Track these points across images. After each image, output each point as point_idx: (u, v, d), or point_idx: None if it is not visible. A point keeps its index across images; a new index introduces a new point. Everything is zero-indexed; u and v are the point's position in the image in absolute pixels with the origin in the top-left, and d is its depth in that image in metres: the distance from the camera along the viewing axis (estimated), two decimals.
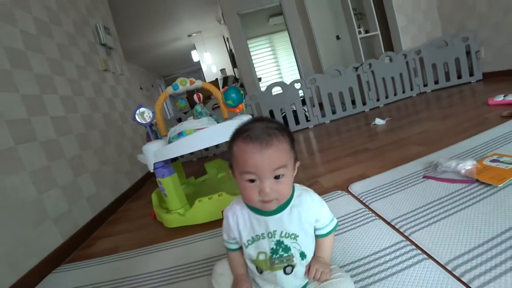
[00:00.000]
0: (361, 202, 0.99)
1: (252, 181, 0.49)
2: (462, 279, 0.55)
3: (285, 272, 0.54)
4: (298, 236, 0.55)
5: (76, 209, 1.47)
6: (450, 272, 0.58)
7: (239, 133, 0.51)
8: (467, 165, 0.97)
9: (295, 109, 3.02)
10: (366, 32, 3.31)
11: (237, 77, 5.65)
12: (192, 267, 0.87)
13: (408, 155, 1.35)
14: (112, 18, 2.85)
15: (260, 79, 5.64)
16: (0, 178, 1.09)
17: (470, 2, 2.92)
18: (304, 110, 3.07)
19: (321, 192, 1.11)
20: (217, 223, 1.12)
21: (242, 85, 4.71)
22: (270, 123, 0.52)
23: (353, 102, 3.05)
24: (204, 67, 6.78)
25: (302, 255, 0.55)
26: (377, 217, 0.86)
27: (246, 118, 1.21)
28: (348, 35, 3.53)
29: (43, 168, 1.33)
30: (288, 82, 2.95)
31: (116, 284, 0.91)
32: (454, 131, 1.53)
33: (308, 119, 3.05)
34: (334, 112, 3.03)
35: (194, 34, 5.95)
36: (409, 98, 3.08)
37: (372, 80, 2.99)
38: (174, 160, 1.63)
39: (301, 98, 2.97)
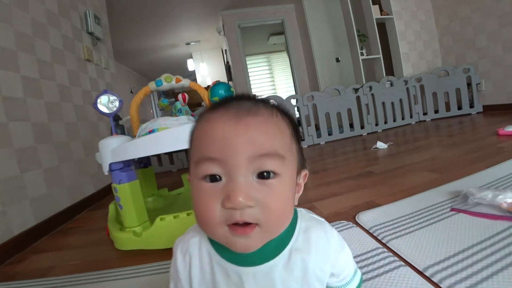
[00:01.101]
0: (376, 238, 0.76)
1: (213, 179, 0.27)
2: None
3: None
4: None
5: (12, 212, 1.17)
6: None
7: (211, 106, 0.30)
8: (509, 197, 0.76)
9: None
10: (369, 54, 3.22)
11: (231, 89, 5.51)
12: None
13: (421, 182, 1.15)
14: (106, 11, 2.65)
15: (255, 95, 5.50)
16: None
17: (470, 36, 2.93)
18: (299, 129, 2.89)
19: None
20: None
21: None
22: (263, 100, 0.31)
23: (351, 125, 2.89)
24: (199, 78, 6.64)
25: None
26: (403, 263, 0.63)
27: None
28: (348, 56, 3.45)
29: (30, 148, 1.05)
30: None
31: None
32: (467, 160, 1.37)
33: (302, 138, 2.86)
34: (330, 134, 2.86)
35: (192, 43, 5.84)
36: (408, 125, 2.96)
37: (371, 103, 2.86)
38: (146, 165, 1.37)
39: (297, 117, 2.80)
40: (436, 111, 3.05)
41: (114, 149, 0.85)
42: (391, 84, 2.97)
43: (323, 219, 0.35)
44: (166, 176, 2.54)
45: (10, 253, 1.10)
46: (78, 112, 1.84)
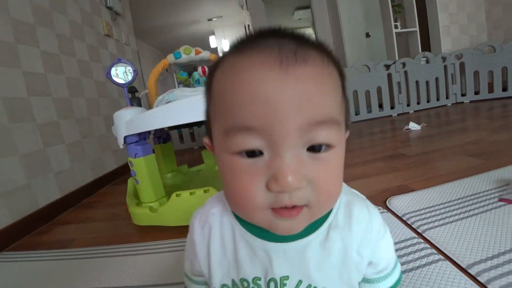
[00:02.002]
0: (410, 227, 0.68)
1: (252, 153, 0.20)
2: None
3: None
4: None
5: (38, 185, 1.20)
6: None
7: (241, 42, 0.22)
8: None
9: None
10: (403, 27, 2.93)
11: None
12: None
13: (462, 167, 1.02)
14: None
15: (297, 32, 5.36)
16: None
17: None
18: None
19: None
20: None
21: None
22: (306, 37, 0.22)
23: (380, 106, 2.71)
24: (221, 55, 6.54)
25: None
26: (442, 257, 0.54)
27: None
28: (380, 31, 3.16)
29: (2, 129, 1.06)
30: None
31: None
32: None
33: None
34: (357, 113, 2.70)
35: (214, 19, 5.69)
36: (443, 107, 2.72)
37: (404, 82, 2.64)
38: (165, 141, 1.35)
39: None
40: (477, 92, 2.77)
41: (129, 121, 0.81)
42: (427, 61, 2.71)
43: (363, 196, 0.29)
44: (187, 153, 2.54)
45: (36, 225, 1.14)
46: (99, 88, 1.84)
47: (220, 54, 0.23)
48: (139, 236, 0.89)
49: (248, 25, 4.77)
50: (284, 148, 0.19)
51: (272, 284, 0.25)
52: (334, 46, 3.92)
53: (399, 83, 2.63)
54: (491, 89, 2.69)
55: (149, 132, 0.89)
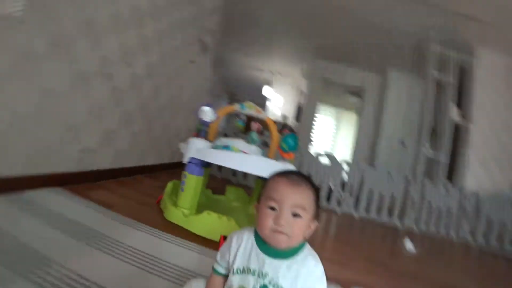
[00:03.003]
0: None
1: (272, 209, 0.53)
2: None
3: None
4: None
5: (100, 153, 1.54)
6: None
7: (278, 173, 0.58)
8: None
9: (332, 187, 2.94)
10: (432, 150, 3.17)
11: (293, 129, 5.77)
12: (165, 266, 0.83)
13: None
14: (221, 27, 3.17)
15: (311, 141, 5.69)
16: (72, 95, 1.23)
17: None
18: (340, 194, 2.96)
19: None
20: (209, 243, 1.05)
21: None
22: (305, 176, 0.58)
23: (390, 213, 2.86)
24: (269, 105, 7.05)
25: None
26: None
27: (289, 166, 1.20)
28: (412, 144, 3.43)
29: (100, 101, 1.44)
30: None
31: (100, 237, 0.88)
32: None
33: (340, 203, 2.93)
34: (367, 211, 2.87)
35: (276, 74, 6.33)
36: (447, 238, 2.81)
37: (419, 199, 2.81)
38: (207, 166, 1.65)
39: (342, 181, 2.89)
40: (487, 240, 2.83)
41: (199, 149, 1.12)
42: (446, 190, 2.89)
43: (318, 258, 0.56)
44: (211, 178, 2.81)
45: (87, 179, 1.46)
46: (171, 100, 2.25)
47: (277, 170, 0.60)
48: (165, 227, 1.12)
49: (302, 91, 5.27)
50: (283, 210, 0.52)
51: (260, 274, 0.52)
52: (370, 140, 4.24)
53: (414, 198, 2.81)
54: (501, 240, 2.76)
55: (207, 162, 1.19)
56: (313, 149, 4.94)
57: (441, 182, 2.89)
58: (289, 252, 0.53)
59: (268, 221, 0.52)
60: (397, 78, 3.91)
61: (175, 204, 1.18)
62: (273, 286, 0.51)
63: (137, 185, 1.72)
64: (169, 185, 1.41)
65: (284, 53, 5.07)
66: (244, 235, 0.58)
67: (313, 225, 0.56)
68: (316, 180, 2.91)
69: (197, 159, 1.13)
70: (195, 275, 0.81)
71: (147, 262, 0.83)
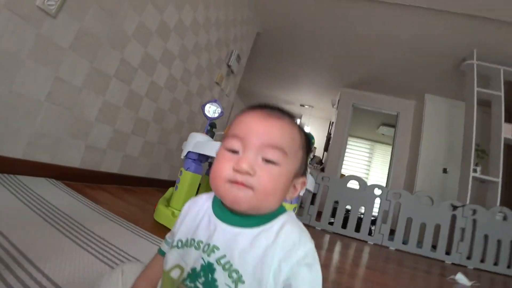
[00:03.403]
0: None
1: (233, 152, 0.35)
2: None
3: None
4: (243, 281, 0.31)
5: (109, 155, 1.50)
6: None
7: (248, 106, 0.39)
8: None
9: (362, 215, 2.60)
10: (484, 174, 2.71)
11: (322, 160, 5.52)
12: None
13: None
14: (248, 54, 3.26)
15: (342, 175, 5.33)
16: (86, 92, 1.24)
17: None
18: (373, 217, 2.60)
19: None
20: None
21: (323, 170, 4.53)
22: (286, 111, 0.38)
23: (434, 247, 2.41)
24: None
25: None
26: None
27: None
28: (458, 170, 2.97)
29: (114, 102, 1.44)
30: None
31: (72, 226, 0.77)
32: None
33: (372, 233, 2.55)
34: (405, 243, 2.45)
35: (306, 107, 6.30)
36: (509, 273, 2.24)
37: (470, 230, 2.33)
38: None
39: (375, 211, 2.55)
40: None
41: (198, 142, 1.02)
42: (505, 218, 2.38)
43: (306, 231, 0.35)
44: None
45: (89, 179, 1.40)
46: (190, 116, 2.24)
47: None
48: (151, 227, 1.00)
49: (333, 123, 5.10)
50: (248, 152, 0.33)
51: (206, 247, 0.33)
52: (407, 170, 3.84)
53: (463, 229, 2.34)
54: None
55: (206, 158, 1.08)
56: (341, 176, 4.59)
57: (496, 210, 2.40)
58: (256, 218, 0.34)
59: (224, 168, 0.33)
60: (435, 102, 3.63)
61: (168, 204, 1.06)
62: (224, 268, 0.31)
63: (144, 195, 1.64)
64: (170, 189, 1.30)
65: (313, 85, 5.06)
66: (201, 199, 0.40)
67: (300, 184, 0.38)
68: (341, 208, 2.60)
69: (195, 153, 1.02)
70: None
71: (109, 253, 0.70)
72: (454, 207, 2.40)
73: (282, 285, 0.31)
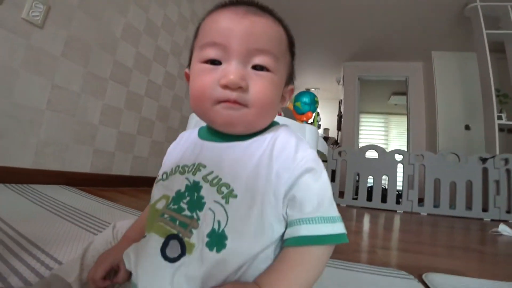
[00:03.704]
0: None
1: (213, 63, 0.29)
2: None
3: (163, 253, 0.26)
4: (235, 195, 0.26)
5: (119, 157, 1.50)
6: None
7: (215, 7, 0.32)
8: None
9: (385, 184, 2.50)
10: (510, 119, 2.52)
11: (338, 141, 5.40)
12: None
13: None
14: None
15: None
16: (85, 97, 1.24)
17: None
18: (398, 190, 2.49)
19: (370, 261, 0.72)
20: None
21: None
22: (263, 6, 0.32)
23: (469, 207, 2.28)
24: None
25: (217, 238, 0.25)
26: None
27: (309, 128, 0.98)
28: (482, 121, 2.79)
29: (115, 107, 1.43)
30: None
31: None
32: None
33: (400, 201, 2.45)
34: (436, 206, 2.34)
35: (312, 89, 6.19)
36: None
37: (505, 182, 2.18)
38: None
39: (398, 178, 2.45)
40: None
41: (198, 121, 0.99)
42: None
43: (301, 137, 0.31)
44: None
45: (102, 183, 1.40)
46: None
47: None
48: None
49: (341, 100, 4.98)
50: (234, 60, 0.28)
51: (191, 167, 0.30)
52: (427, 134, 3.68)
53: (497, 182, 2.20)
54: None
55: None
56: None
57: None
58: (247, 135, 0.30)
59: (208, 84, 0.28)
60: (443, 58, 3.45)
61: None
62: (211, 184, 0.27)
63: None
64: None
65: (314, 67, 4.95)
66: (186, 133, 0.38)
67: (288, 93, 0.35)
68: (363, 181, 2.51)
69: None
70: None
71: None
72: (484, 160, 2.26)
73: (286, 198, 0.27)
